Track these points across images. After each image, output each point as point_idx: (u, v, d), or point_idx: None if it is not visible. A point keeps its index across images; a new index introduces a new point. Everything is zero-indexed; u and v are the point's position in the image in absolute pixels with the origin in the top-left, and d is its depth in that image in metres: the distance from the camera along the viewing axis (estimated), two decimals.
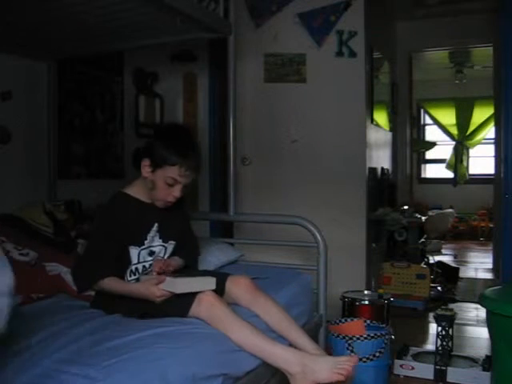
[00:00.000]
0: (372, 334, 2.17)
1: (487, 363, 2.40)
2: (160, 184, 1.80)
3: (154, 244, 1.88)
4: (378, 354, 2.14)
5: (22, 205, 2.52)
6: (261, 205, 3.43)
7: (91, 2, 2.02)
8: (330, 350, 2.26)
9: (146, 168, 1.82)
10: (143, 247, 1.85)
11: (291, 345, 1.78)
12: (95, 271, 1.75)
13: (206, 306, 1.61)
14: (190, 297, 1.65)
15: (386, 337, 2.19)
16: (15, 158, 2.74)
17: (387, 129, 4.84)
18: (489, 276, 5.02)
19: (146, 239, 1.85)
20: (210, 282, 1.70)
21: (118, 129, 3.54)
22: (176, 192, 1.81)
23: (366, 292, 2.80)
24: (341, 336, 2.18)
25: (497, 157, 4.57)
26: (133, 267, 1.84)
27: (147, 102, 3.84)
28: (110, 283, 1.74)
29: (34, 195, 2.78)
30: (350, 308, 2.63)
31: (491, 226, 6.29)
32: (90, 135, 3.28)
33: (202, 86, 4.11)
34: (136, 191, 1.88)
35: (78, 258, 1.90)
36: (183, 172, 1.78)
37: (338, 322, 2.34)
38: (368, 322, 2.37)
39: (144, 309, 1.67)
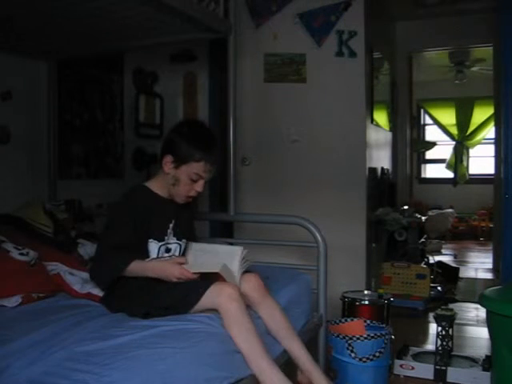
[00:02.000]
0: (372, 334, 2.17)
1: (487, 363, 2.40)
2: (184, 180, 1.82)
3: (170, 241, 1.89)
4: (377, 354, 2.14)
5: (21, 205, 2.52)
6: (261, 205, 3.43)
7: (91, 2, 2.02)
8: (330, 350, 2.27)
9: (168, 164, 1.82)
10: (163, 243, 1.86)
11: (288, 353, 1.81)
12: (119, 261, 1.73)
13: (226, 299, 1.61)
14: (193, 295, 1.65)
15: (386, 337, 2.19)
16: (15, 158, 2.74)
17: (387, 129, 4.84)
18: (489, 276, 5.02)
19: (165, 234, 1.86)
20: (217, 264, 1.72)
21: (118, 129, 3.54)
22: (199, 187, 1.85)
23: (366, 292, 2.80)
24: (341, 336, 2.18)
25: (497, 157, 4.57)
26: None
27: (147, 102, 3.85)
28: (133, 268, 1.72)
29: (33, 195, 2.78)
30: (349, 308, 2.63)
31: (491, 226, 6.29)
32: (89, 135, 3.28)
33: (201, 86, 4.11)
34: (156, 186, 1.89)
35: (95, 255, 1.83)
36: (208, 167, 1.82)
37: (338, 321, 2.34)
38: (368, 321, 2.37)
39: (147, 308, 1.67)
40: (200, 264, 1.77)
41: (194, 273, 1.71)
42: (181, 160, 1.81)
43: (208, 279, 1.71)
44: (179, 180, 1.83)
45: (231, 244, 2.93)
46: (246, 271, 1.85)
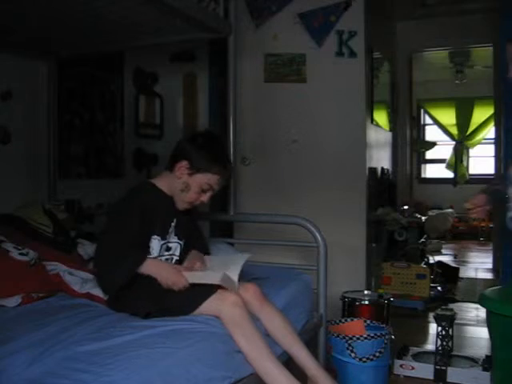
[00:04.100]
0: (372, 334, 2.17)
1: (487, 363, 2.40)
2: (194, 188, 1.84)
3: (171, 240, 1.89)
4: (377, 354, 2.14)
5: (21, 205, 2.52)
6: (261, 205, 3.43)
7: (91, 2, 2.02)
8: (330, 350, 2.27)
9: (182, 169, 1.84)
10: (164, 241, 1.86)
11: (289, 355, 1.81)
12: (130, 263, 1.70)
13: (229, 306, 1.61)
14: (196, 299, 1.65)
15: (386, 337, 2.19)
16: (15, 158, 2.74)
17: (387, 129, 4.84)
18: (489, 276, 5.02)
19: (167, 233, 1.87)
20: (216, 276, 1.70)
21: (117, 129, 3.54)
22: (205, 198, 1.88)
23: (365, 292, 2.80)
24: (341, 336, 2.18)
25: (497, 157, 4.58)
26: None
27: (147, 102, 3.85)
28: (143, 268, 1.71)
29: (33, 195, 2.78)
30: (349, 308, 2.63)
31: (491, 225, 6.29)
32: (90, 135, 3.28)
33: (201, 86, 4.12)
34: (161, 184, 1.89)
35: (100, 255, 1.78)
36: (221, 181, 1.87)
37: (338, 321, 2.34)
38: (368, 322, 2.37)
39: (149, 308, 1.67)
40: (199, 275, 1.75)
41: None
42: (197, 169, 1.83)
43: (211, 286, 1.70)
44: (189, 187, 1.84)
45: (232, 244, 2.93)
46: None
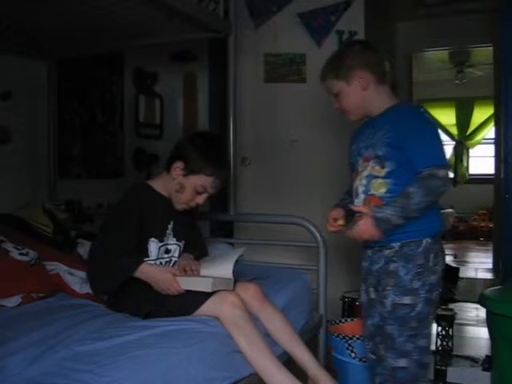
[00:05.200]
0: None
1: (487, 363, 2.39)
2: (189, 189, 1.83)
3: (169, 242, 1.89)
4: None
5: (21, 205, 2.52)
6: (261, 205, 3.43)
7: (91, 1, 2.02)
8: (330, 350, 2.27)
9: (177, 170, 1.83)
10: (162, 243, 1.86)
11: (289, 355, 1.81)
12: (126, 266, 1.72)
13: (229, 306, 1.61)
14: (195, 301, 1.65)
15: None
16: (15, 158, 2.74)
17: None
18: (489, 276, 5.03)
19: (164, 235, 1.86)
20: (207, 283, 1.69)
21: (117, 129, 3.54)
22: (201, 199, 1.86)
23: None
24: (341, 336, 2.18)
25: (497, 157, 4.58)
26: (152, 262, 1.83)
27: (147, 102, 3.85)
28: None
29: (33, 195, 2.78)
30: (349, 308, 2.63)
31: (491, 226, 6.29)
32: (89, 135, 3.28)
33: (201, 86, 4.11)
34: (157, 186, 1.89)
35: (94, 256, 1.80)
36: (216, 183, 1.84)
37: (338, 321, 2.34)
38: None
39: (149, 308, 1.67)
40: (191, 280, 1.74)
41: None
42: (191, 170, 1.82)
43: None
44: (184, 188, 1.83)
45: (232, 244, 2.93)
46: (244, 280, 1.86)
